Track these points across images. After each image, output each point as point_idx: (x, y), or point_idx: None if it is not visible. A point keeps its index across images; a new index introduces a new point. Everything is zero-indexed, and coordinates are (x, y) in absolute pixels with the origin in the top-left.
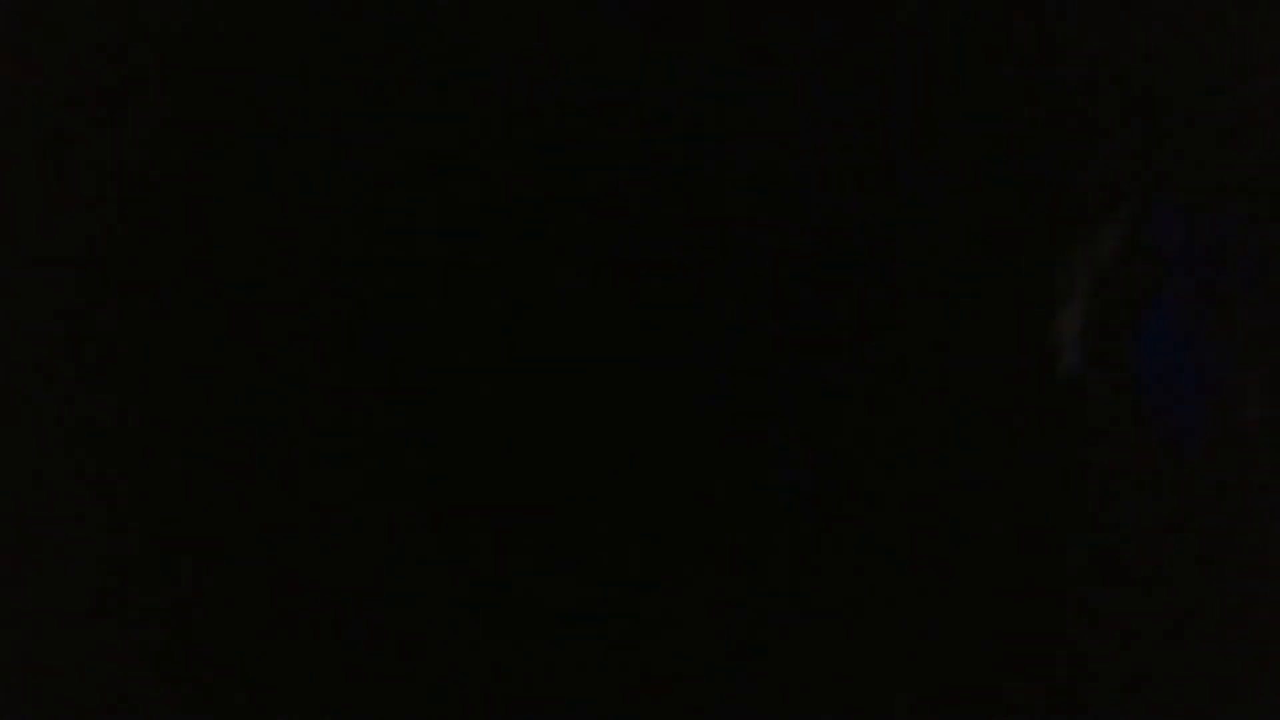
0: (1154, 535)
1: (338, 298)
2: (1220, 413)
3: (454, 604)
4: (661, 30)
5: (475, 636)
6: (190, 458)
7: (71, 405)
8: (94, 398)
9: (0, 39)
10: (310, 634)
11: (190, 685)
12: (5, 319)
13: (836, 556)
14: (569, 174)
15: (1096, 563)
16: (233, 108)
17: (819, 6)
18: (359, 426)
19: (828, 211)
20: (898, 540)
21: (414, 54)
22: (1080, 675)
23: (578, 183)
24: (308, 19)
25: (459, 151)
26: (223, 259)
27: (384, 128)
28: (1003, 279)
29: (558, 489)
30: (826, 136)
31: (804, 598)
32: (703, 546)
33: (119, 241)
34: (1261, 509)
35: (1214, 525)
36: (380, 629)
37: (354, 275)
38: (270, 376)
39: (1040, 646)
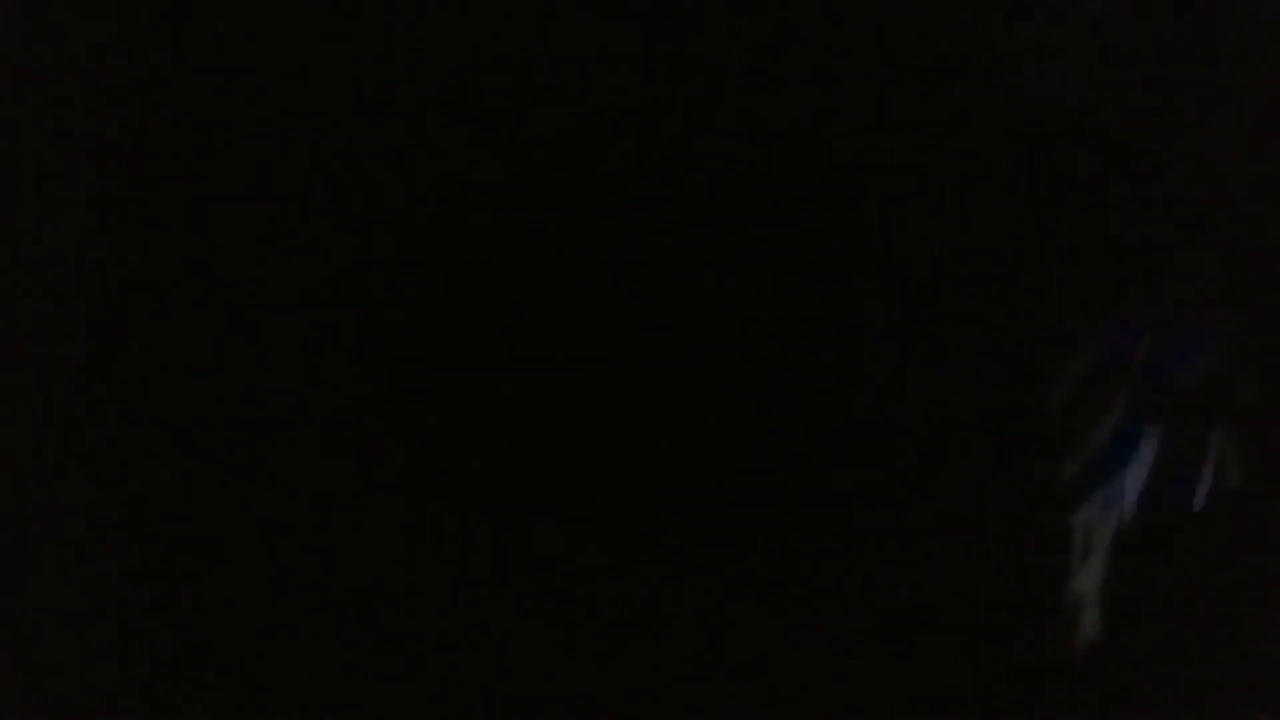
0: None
1: (337, 298)
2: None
3: (453, 606)
4: (662, 27)
5: (474, 639)
6: (190, 458)
7: (70, 405)
8: (92, 398)
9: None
10: (310, 635)
11: (190, 685)
12: (5, 319)
13: (835, 558)
14: (568, 172)
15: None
16: (231, 106)
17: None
18: (358, 427)
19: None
20: (898, 541)
21: (412, 51)
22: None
23: (577, 181)
24: (305, 17)
25: (455, 149)
26: (221, 259)
27: (382, 126)
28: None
29: (557, 489)
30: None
31: (807, 601)
32: (703, 547)
33: (117, 241)
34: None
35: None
36: (380, 631)
37: (354, 275)
38: (270, 376)
39: (1037, 648)
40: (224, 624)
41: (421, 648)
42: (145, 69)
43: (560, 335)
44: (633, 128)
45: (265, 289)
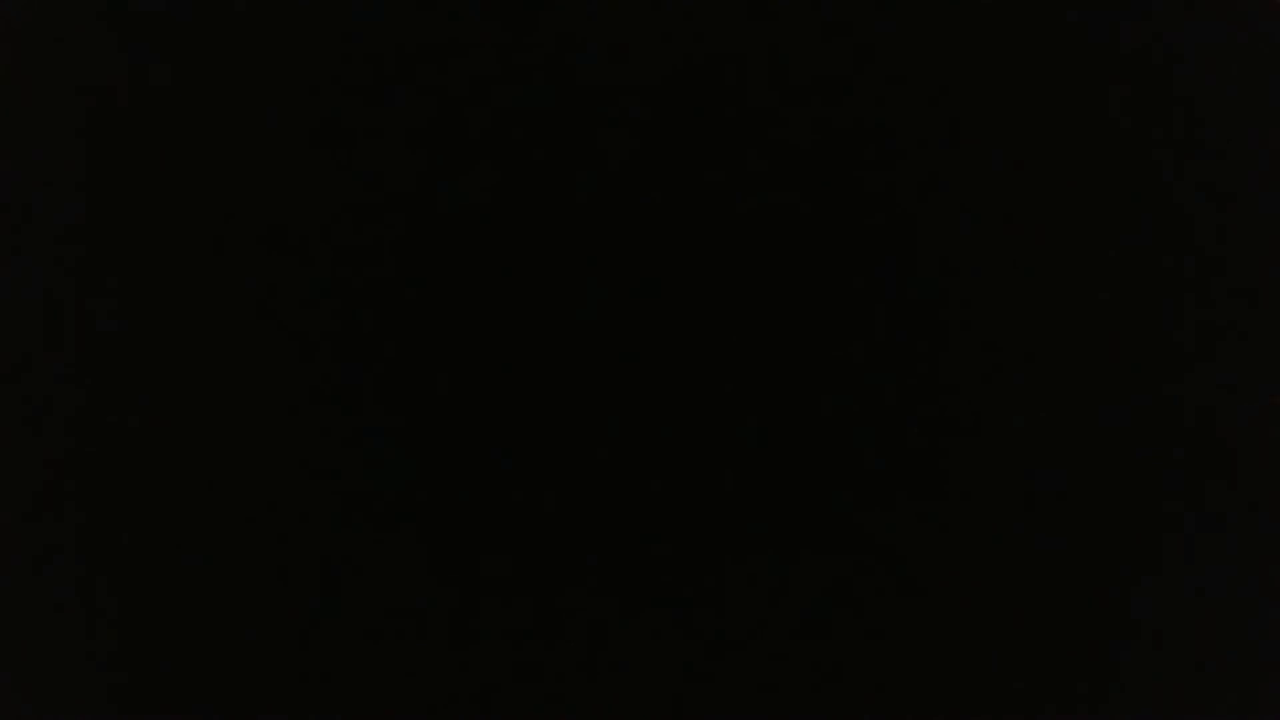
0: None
1: (337, 299)
2: None
3: (452, 607)
4: (661, 26)
5: (475, 640)
6: (190, 458)
7: (69, 404)
8: (91, 398)
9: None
10: (309, 635)
11: (188, 685)
12: (4, 319)
13: (837, 560)
14: (570, 172)
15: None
16: (230, 107)
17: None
18: (358, 428)
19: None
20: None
21: (412, 51)
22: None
23: (578, 181)
24: (303, 18)
25: (455, 150)
26: (222, 259)
27: (383, 126)
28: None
29: (558, 490)
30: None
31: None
32: (703, 548)
33: (118, 241)
34: None
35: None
36: (380, 631)
37: (355, 276)
38: (270, 376)
39: (1042, 647)
40: (223, 623)
41: (420, 647)
42: (142, 69)
43: (571, 337)
44: (640, 131)
45: (263, 289)
